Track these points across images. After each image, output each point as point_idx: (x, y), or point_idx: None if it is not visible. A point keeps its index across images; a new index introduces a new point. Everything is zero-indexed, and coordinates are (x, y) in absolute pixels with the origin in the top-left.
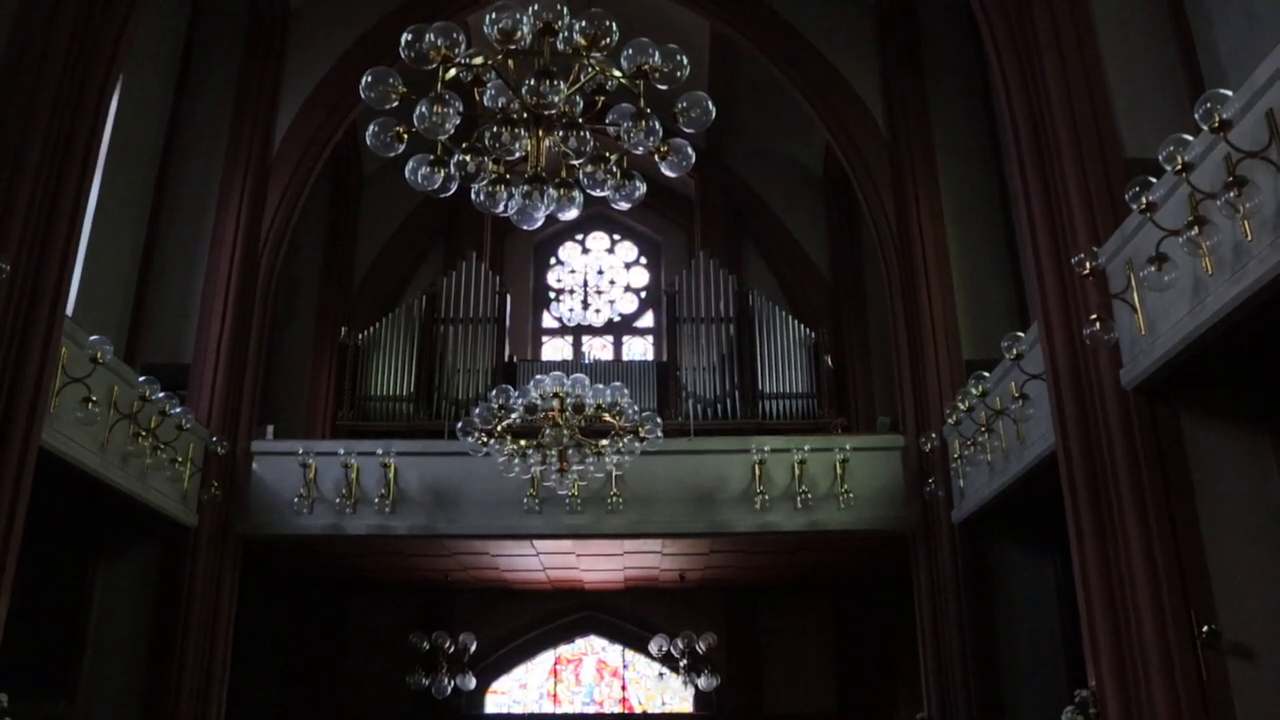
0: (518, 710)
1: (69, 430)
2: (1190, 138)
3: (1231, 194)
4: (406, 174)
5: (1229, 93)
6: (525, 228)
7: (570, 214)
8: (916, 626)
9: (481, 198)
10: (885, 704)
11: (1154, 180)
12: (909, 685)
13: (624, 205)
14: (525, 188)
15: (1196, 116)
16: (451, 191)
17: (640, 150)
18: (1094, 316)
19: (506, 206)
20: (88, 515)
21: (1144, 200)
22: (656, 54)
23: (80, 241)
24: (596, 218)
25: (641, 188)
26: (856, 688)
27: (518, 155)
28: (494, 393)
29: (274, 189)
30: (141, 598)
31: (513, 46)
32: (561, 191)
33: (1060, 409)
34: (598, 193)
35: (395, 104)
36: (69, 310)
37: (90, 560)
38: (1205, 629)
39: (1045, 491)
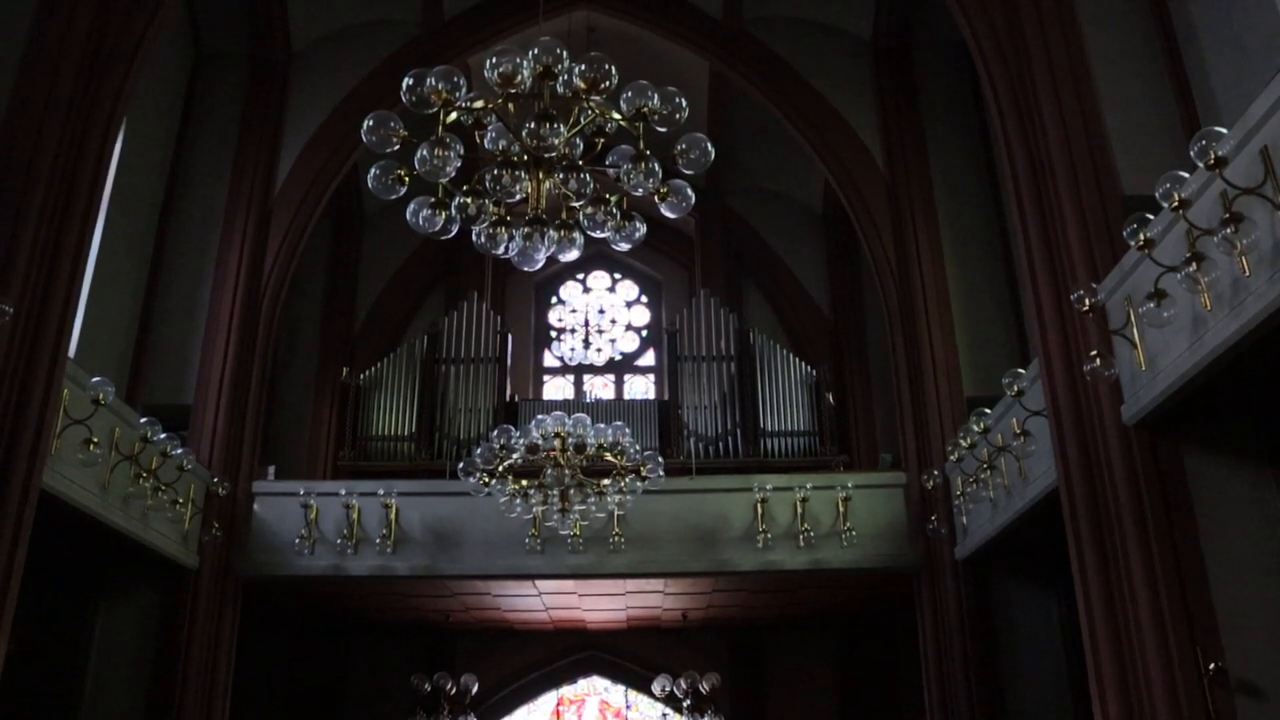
0: None
1: (70, 472)
2: (1187, 175)
3: (1228, 230)
4: (408, 216)
5: (1224, 130)
6: (526, 269)
7: (570, 255)
8: (921, 665)
9: (482, 239)
10: None
11: (1151, 217)
12: None
13: (624, 246)
14: (526, 229)
15: (1192, 154)
16: (453, 234)
17: (640, 192)
18: (1094, 353)
19: (507, 248)
20: (89, 557)
21: (1142, 237)
22: (655, 96)
23: (83, 283)
24: (597, 257)
25: (641, 229)
26: None
27: (518, 197)
28: (495, 433)
29: (276, 230)
30: (142, 639)
31: (513, 90)
32: (562, 233)
33: (1062, 445)
34: (598, 234)
35: (397, 147)
36: (71, 352)
37: (91, 602)
38: (1212, 666)
39: (1048, 528)
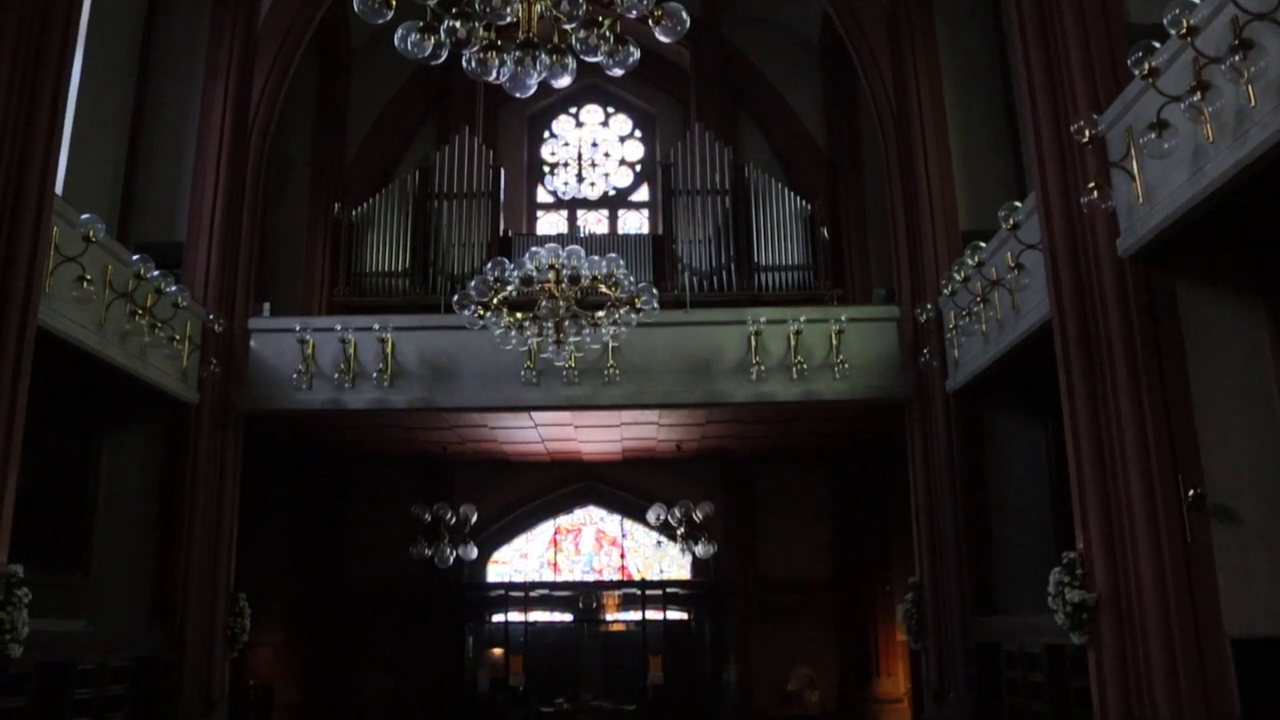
0: (519, 579)
1: (66, 309)
2: (1197, 1)
3: (1237, 58)
4: (396, 42)
5: None
6: (518, 95)
7: (563, 81)
8: (910, 494)
9: (473, 65)
10: (879, 569)
11: (1158, 45)
12: (902, 551)
13: (617, 72)
14: (517, 54)
15: None
16: (443, 59)
17: (633, 13)
18: (1092, 185)
19: (498, 74)
20: (90, 394)
21: (1147, 65)
22: None
23: (65, 118)
24: (590, 90)
25: (635, 54)
26: (851, 554)
27: (508, 20)
28: (490, 265)
29: (261, 61)
30: (147, 473)
31: None
32: (554, 58)
33: (1056, 278)
34: (591, 59)
35: None
36: (58, 190)
37: (95, 438)
38: (1191, 492)
39: (1039, 360)
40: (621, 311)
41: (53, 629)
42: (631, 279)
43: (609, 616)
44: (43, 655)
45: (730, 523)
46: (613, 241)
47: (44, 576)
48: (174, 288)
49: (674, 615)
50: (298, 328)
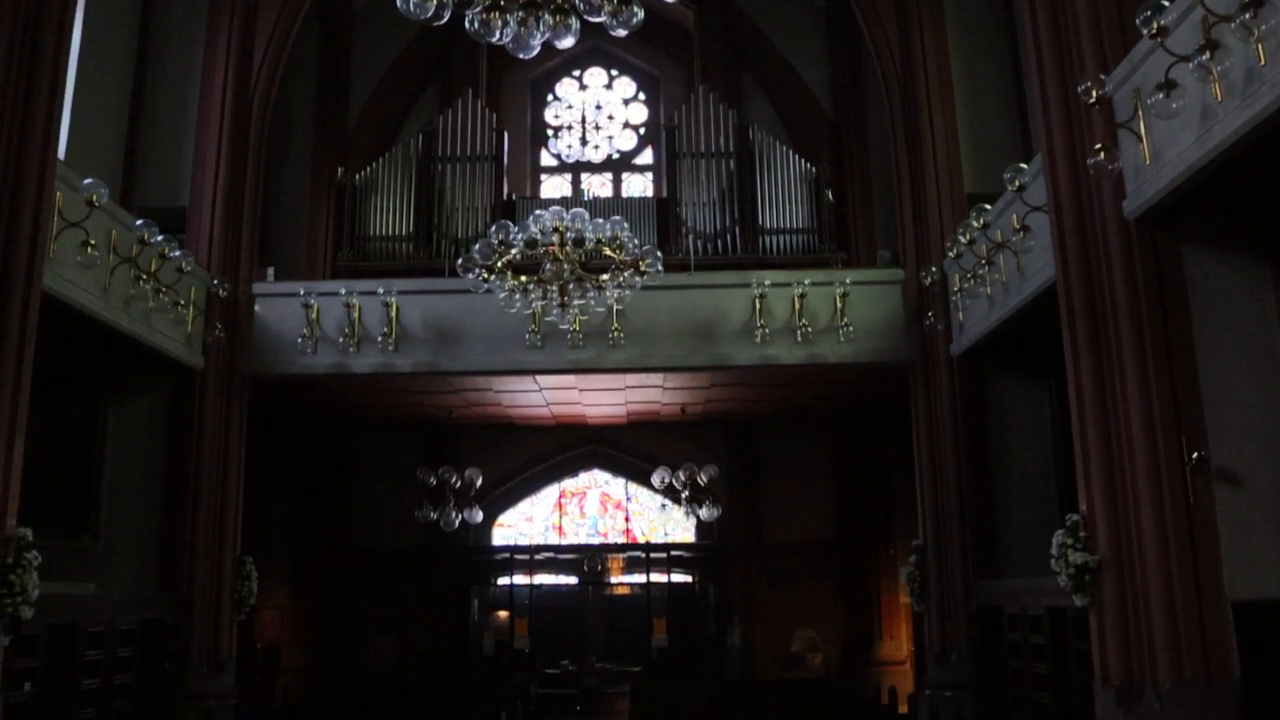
0: (524, 542)
1: (70, 274)
2: None
3: (1247, 15)
4: (398, 2)
5: None
6: (521, 56)
7: (567, 41)
8: (913, 457)
9: (476, 26)
10: (882, 533)
11: (1167, 3)
12: (905, 514)
13: (621, 32)
14: (520, 14)
15: None
16: (445, 20)
17: None
18: (1098, 146)
19: (501, 35)
20: (96, 359)
21: (1155, 24)
22: None
23: (66, 83)
24: (594, 53)
25: (639, 14)
26: (854, 517)
27: None
28: (494, 228)
29: (263, 24)
30: (153, 438)
31: None
32: (557, 18)
33: (1061, 240)
34: (594, 19)
35: None
36: (60, 155)
37: (101, 403)
38: (1195, 455)
39: (1043, 323)
40: (626, 274)
41: (62, 592)
42: (636, 242)
43: (614, 579)
44: (53, 618)
45: (734, 486)
46: (617, 205)
47: (53, 540)
48: (178, 253)
49: (678, 578)
50: (302, 292)
